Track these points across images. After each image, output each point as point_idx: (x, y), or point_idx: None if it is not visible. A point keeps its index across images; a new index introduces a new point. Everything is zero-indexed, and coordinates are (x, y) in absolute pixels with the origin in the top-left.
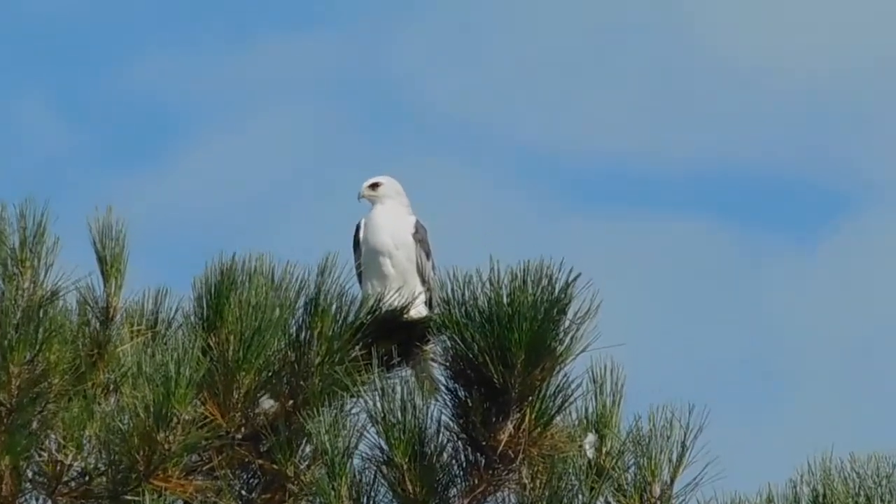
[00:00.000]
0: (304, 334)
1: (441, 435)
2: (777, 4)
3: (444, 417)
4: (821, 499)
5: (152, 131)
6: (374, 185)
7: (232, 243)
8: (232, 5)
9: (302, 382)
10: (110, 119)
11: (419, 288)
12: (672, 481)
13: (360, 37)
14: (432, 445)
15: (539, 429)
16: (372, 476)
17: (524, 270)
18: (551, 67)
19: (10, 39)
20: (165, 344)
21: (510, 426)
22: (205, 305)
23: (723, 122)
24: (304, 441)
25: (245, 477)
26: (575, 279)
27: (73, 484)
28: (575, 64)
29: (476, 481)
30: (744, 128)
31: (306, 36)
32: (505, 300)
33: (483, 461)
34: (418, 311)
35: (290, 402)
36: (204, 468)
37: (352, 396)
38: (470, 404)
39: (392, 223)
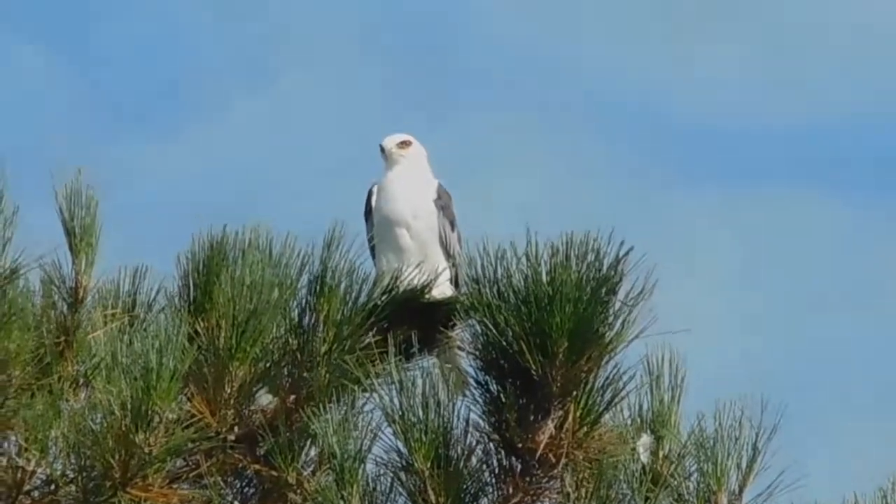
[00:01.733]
0: (307, 318)
1: (469, 436)
2: None
3: (472, 415)
4: None
5: (151, 92)
6: (405, 143)
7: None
8: None
9: (305, 374)
10: (104, 74)
11: (443, 263)
12: (741, 490)
13: None
14: (459, 448)
15: (585, 428)
16: (388, 484)
17: (567, 244)
18: (646, 11)
19: None
20: (145, 330)
21: (551, 425)
22: (191, 285)
23: (839, 80)
24: (308, 443)
25: (239, 485)
26: (627, 254)
27: (36, 493)
28: (674, 9)
29: (511, 490)
30: (865, 87)
31: None
32: (544, 278)
33: (519, 466)
34: (442, 290)
35: (292, 397)
36: (190, 475)
37: (364, 391)
38: (503, 400)
39: (410, 188)
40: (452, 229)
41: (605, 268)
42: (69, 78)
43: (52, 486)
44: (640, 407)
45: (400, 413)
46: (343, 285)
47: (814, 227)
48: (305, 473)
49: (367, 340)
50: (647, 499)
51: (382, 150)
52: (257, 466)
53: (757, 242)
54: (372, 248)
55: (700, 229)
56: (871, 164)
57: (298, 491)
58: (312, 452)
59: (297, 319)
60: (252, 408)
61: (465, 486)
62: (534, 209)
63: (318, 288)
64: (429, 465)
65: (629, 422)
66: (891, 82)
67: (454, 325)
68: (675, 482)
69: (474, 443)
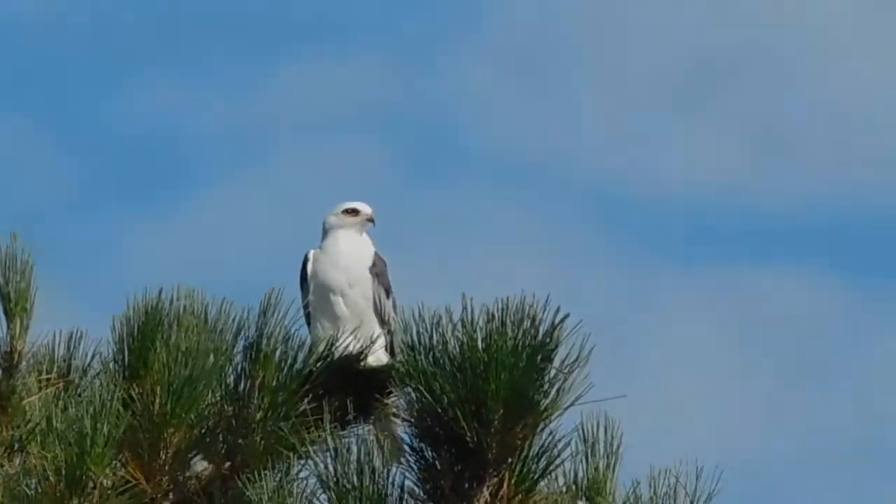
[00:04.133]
0: (243, 384)
1: (404, 503)
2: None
3: (408, 482)
4: None
5: (149, 168)
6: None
7: None
8: (252, 25)
9: (241, 441)
10: (98, 151)
11: (378, 330)
12: None
13: (400, 62)
14: None
15: (520, 496)
16: None
17: (502, 310)
18: (630, 103)
19: None
20: (80, 395)
21: (486, 493)
22: (126, 350)
23: (822, 161)
24: None
25: None
26: (563, 320)
27: None
28: (655, 100)
29: None
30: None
31: (337, 64)
32: (480, 345)
33: None
34: (377, 357)
35: (227, 463)
36: None
37: (299, 457)
38: (439, 467)
39: (347, 256)
40: (387, 296)
41: (540, 334)
42: (54, 150)
43: None
44: (576, 474)
45: (335, 480)
46: (278, 352)
47: (790, 304)
48: None
49: (303, 407)
50: None
51: (356, 212)
52: None
53: (733, 318)
54: (307, 315)
55: (679, 305)
56: (858, 240)
57: None
58: None
59: (232, 385)
60: (187, 474)
61: None
62: (520, 285)
63: (253, 354)
64: None
65: (564, 489)
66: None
67: (389, 392)
68: None
69: None
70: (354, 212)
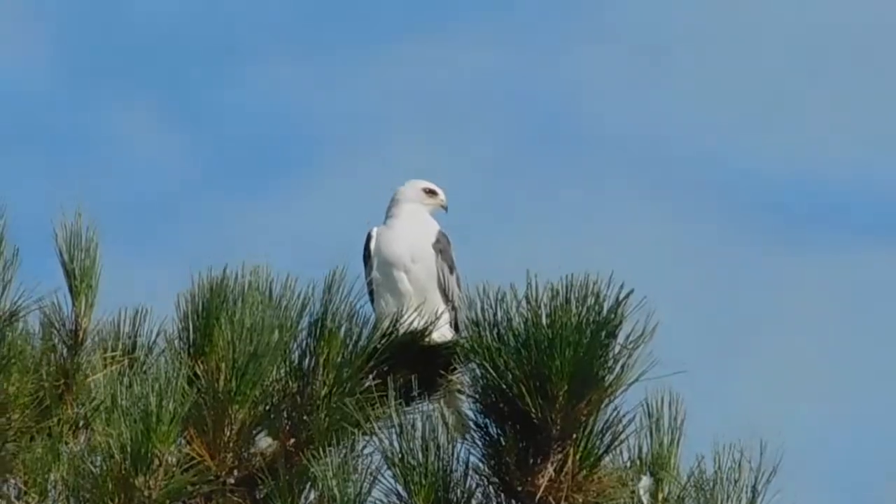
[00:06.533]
0: (307, 361)
1: (469, 479)
2: None
3: (472, 458)
4: None
5: (265, 151)
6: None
7: None
8: (365, 6)
9: (305, 417)
10: (213, 134)
11: (442, 307)
12: None
13: (523, 47)
14: (458, 491)
15: (584, 471)
16: None
17: (567, 286)
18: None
19: (113, 43)
20: (145, 373)
21: (550, 469)
22: (191, 327)
23: None
24: (307, 486)
25: None
26: (627, 297)
27: None
28: (770, 80)
29: None
30: None
31: (455, 43)
32: (544, 321)
33: None
34: (442, 333)
35: (292, 440)
36: None
37: (364, 434)
38: (503, 443)
39: (410, 232)
40: (451, 273)
41: (604, 311)
42: (176, 134)
43: None
44: (640, 449)
45: (400, 456)
46: (343, 328)
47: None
48: None
49: (367, 384)
50: None
51: (435, 194)
52: None
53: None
54: (371, 292)
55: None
56: None
57: None
58: (312, 496)
59: (297, 362)
60: (252, 451)
61: None
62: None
63: (318, 331)
64: None
65: (629, 464)
66: None
67: (454, 368)
68: None
69: (474, 486)
70: (434, 193)
